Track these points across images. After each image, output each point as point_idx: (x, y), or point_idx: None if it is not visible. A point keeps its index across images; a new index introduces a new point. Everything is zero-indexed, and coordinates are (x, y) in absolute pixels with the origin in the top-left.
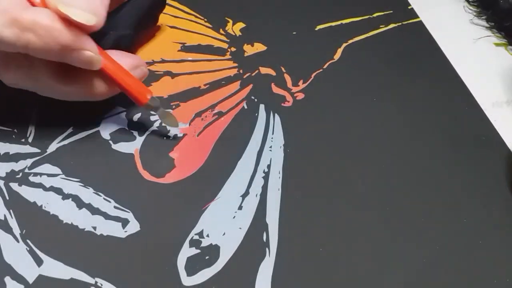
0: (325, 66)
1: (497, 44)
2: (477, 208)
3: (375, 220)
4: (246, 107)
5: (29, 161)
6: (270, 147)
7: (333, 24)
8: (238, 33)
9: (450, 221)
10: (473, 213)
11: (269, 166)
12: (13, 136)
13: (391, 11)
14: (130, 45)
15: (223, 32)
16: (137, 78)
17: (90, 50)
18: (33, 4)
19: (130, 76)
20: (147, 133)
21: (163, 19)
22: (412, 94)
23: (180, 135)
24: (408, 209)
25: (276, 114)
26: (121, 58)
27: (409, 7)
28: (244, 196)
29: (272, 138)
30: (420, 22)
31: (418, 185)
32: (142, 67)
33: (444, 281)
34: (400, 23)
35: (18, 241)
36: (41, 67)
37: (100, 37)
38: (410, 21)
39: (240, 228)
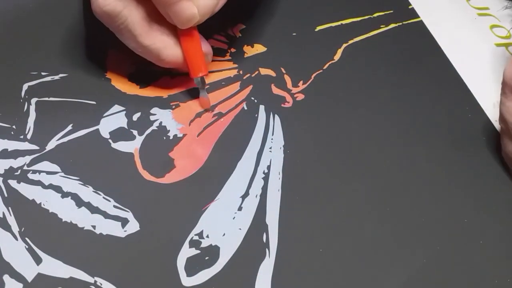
0: (325, 67)
1: (498, 44)
2: (478, 208)
3: (375, 221)
4: (246, 108)
5: (27, 158)
6: (270, 148)
7: (333, 24)
8: (238, 34)
9: (450, 221)
10: (474, 213)
11: (269, 167)
12: (12, 132)
13: (391, 11)
14: None
15: (223, 33)
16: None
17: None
18: None
19: (199, 51)
20: (147, 132)
21: None
22: (413, 94)
23: (180, 135)
24: (408, 209)
25: (276, 115)
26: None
27: (410, 7)
28: (244, 197)
29: (272, 139)
30: (421, 22)
31: (418, 185)
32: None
33: (444, 281)
34: (400, 23)
35: (16, 239)
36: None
37: None
38: (411, 21)
39: (240, 228)
